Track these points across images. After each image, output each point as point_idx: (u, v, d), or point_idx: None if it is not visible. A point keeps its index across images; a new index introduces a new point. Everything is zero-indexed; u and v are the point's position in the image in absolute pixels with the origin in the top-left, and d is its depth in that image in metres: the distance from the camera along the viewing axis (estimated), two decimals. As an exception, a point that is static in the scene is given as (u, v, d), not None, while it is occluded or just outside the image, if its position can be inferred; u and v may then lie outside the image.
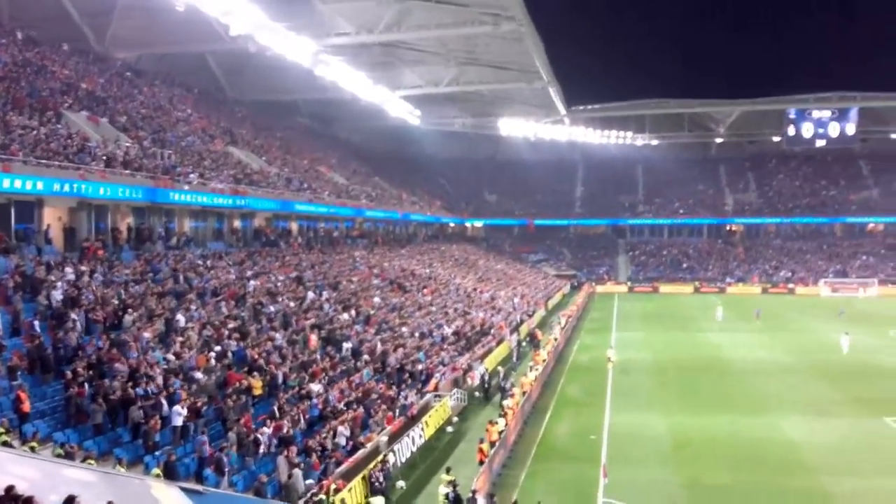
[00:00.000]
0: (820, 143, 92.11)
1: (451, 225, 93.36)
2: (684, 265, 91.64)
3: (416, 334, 36.37)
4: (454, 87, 65.32)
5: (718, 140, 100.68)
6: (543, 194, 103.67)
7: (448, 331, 39.16)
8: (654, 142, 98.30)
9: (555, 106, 77.29)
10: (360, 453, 21.36)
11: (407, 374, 30.05)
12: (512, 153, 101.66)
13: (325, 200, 51.26)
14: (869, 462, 23.10)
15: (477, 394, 31.95)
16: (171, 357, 21.99)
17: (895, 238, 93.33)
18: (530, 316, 53.53)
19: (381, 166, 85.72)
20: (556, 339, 43.22)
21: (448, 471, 20.35)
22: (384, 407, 25.38)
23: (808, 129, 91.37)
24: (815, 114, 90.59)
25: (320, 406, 23.57)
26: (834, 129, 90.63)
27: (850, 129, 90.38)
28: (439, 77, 63.52)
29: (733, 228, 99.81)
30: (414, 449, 23.81)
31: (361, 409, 24.47)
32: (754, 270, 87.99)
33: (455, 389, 30.48)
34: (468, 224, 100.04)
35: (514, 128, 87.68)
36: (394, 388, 27.92)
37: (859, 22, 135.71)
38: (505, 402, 27.70)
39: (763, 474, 22.17)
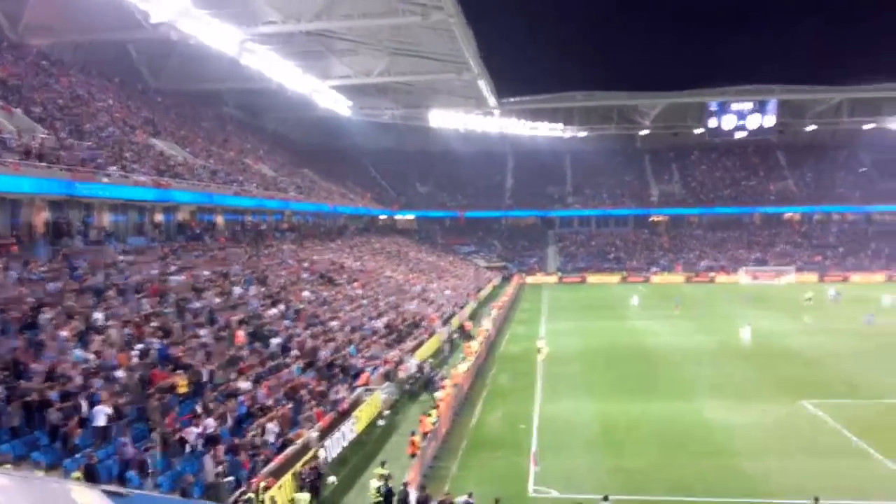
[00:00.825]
0: (740, 134, 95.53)
1: (383, 217, 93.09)
2: (611, 255, 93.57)
3: (347, 328, 36.08)
4: (385, 77, 64.96)
5: (644, 132, 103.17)
6: (474, 186, 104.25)
7: (379, 324, 38.99)
8: (582, 134, 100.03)
9: (485, 98, 77.71)
10: (290, 450, 21.07)
11: (337, 369, 29.78)
12: (443, 145, 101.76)
13: (251, 193, 50.28)
14: (786, 443, 24.03)
15: (408, 386, 31.85)
16: (90, 356, 21.22)
17: (811, 227, 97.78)
18: (462, 308, 53.79)
19: (311, 158, 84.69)
20: (487, 331, 43.56)
21: (383, 464, 20.33)
22: (314, 402, 25.11)
23: (728, 122, 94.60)
24: (735, 106, 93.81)
25: (248, 403, 23.13)
26: (753, 122, 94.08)
27: (769, 121, 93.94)
28: (369, 67, 63.04)
29: (658, 219, 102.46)
30: (345, 444, 23.63)
31: (291, 406, 24.15)
32: (678, 260, 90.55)
33: (386, 383, 30.36)
34: (399, 216, 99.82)
35: (445, 119, 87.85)
36: (324, 382, 27.63)
37: (778, 17, 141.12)
38: (436, 394, 27.78)
39: (686, 457, 22.85)
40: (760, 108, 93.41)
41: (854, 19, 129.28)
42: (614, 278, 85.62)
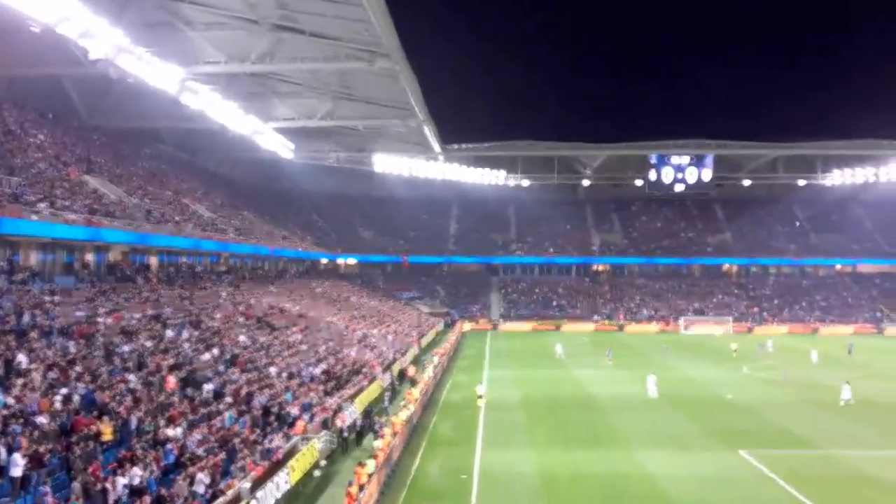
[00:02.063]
0: (679, 187, 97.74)
1: (324, 261, 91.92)
2: (554, 303, 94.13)
3: (284, 374, 35.01)
4: (328, 121, 64.76)
5: (586, 182, 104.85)
6: (418, 231, 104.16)
7: (318, 370, 37.98)
8: (526, 182, 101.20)
9: (429, 143, 78.15)
10: (220, 501, 20.01)
11: (273, 417, 28.72)
12: (387, 189, 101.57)
13: (188, 233, 48.97)
14: (725, 494, 23.88)
15: (346, 435, 30.85)
16: (10, 401, 19.99)
17: (748, 278, 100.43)
18: (403, 354, 53.00)
19: (251, 200, 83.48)
20: (428, 378, 42.86)
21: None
22: (247, 451, 24.03)
23: (668, 174, 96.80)
24: (675, 160, 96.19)
25: (177, 452, 21.99)
26: (692, 175, 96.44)
27: (707, 174, 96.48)
28: (313, 110, 62.77)
29: (600, 268, 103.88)
30: (279, 495, 22.56)
31: (223, 455, 23.06)
32: (619, 308, 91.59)
33: (324, 431, 29.35)
34: (341, 260, 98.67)
35: (390, 164, 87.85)
36: (258, 431, 26.54)
37: (716, 76, 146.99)
38: (375, 444, 26.92)
39: (628, 509, 22.49)
40: (698, 162, 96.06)
41: (791, 80, 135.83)
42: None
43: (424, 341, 66.86)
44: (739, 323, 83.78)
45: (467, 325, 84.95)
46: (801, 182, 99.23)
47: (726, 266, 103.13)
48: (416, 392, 37.20)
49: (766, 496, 23.71)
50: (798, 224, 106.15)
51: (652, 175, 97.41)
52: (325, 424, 30.21)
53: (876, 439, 31.23)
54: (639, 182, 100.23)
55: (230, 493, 20.65)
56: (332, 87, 57.91)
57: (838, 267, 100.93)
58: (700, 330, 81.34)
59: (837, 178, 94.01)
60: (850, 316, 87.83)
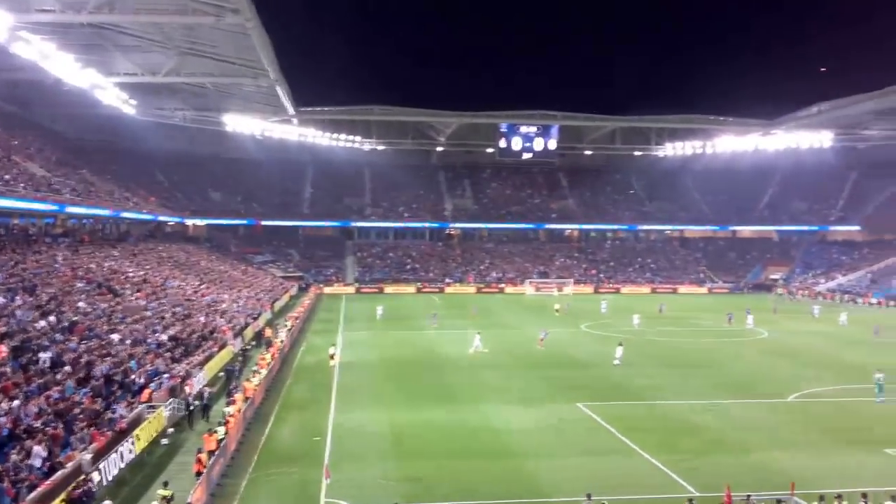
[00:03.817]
0: (527, 155, 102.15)
1: (171, 223, 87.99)
2: (408, 267, 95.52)
3: (129, 341, 33.73)
4: (174, 77, 61.56)
5: (439, 149, 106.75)
6: (272, 194, 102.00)
7: (164, 337, 36.86)
8: (381, 147, 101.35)
9: (283, 105, 76.29)
10: (60, 474, 19.33)
11: (116, 386, 27.76)
12: (239, 151, 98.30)
13: (19, 193, 45.50)
14: (564, 443, 25.80)
15: (192, 404, 30.20)
16: None
17: (587, 243, 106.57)
18: (255, 319, 52.28)
19: (91, 158, 78.38)
20: (282, 342, 42.70)
21: (166, 485, 19.30)
22: (88, 422, 23.20)
23: (517, 143, 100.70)
24: (524, 129, 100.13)
25: (10, 425, 20.91)
26: (538, 144, 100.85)
27: (552, 144, 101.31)
28: (158, 66, 59.37)
29: (452, 232, 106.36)
30: (123, 465, 22.05)
31: (61, 426, 22.15)
32: (470, 271, 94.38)
33: (171, 399, 28.73)
34: (190, 223, 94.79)
35: (241, 124, 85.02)
36: (100, 400, 25.62)
37: (562, 49, 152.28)
38: (226, 410, 26.73)
39: (475, 461, 23.78)
40: (544, 132, 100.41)
41: (631, 57, 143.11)
42: (410, 289, 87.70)
43: (277, 306, 66.11)
44: (580, 285, 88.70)
45: (328, 290, 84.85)
46: (637, 153, 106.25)
47: (569, 231, 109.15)
48: (268, 356, 37.04)
49: (600, 443, 25.84)
50: (633, 192, 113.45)
51: (502, 143, 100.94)
52: (174, 392, 29.57)
53: (699, 390, 34.45)
54: (490, 150, 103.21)
55: (70, 466, 19.99)
56: (178, 42, 54.98)
57: (668, 232, 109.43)
58: (545, 291, 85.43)
59: (669, 149, 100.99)
60: (677, 277, 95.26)
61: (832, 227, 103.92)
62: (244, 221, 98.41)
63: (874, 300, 76.98)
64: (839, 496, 17.92)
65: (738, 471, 22.26)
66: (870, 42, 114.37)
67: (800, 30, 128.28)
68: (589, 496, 18.33)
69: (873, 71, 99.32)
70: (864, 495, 18.18)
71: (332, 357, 39.98)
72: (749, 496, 18.17)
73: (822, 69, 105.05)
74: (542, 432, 27.13)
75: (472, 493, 20.83)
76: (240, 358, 40.73)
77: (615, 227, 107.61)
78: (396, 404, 31.53)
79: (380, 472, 22.68)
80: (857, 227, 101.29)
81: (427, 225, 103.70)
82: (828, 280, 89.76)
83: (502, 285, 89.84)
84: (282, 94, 70.19)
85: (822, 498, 17.89)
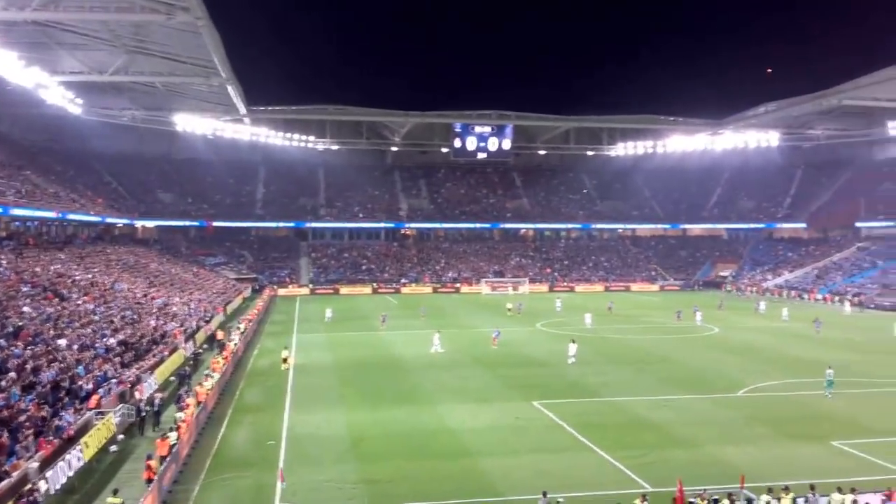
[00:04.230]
0: (481, 155, 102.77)
1: (119, 225, 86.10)
2: (364, 267, 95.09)
3: (76, 346, 32.93)
4: (122, 76, 60.32)
5: (394, 149, 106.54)
6: (223, 195, 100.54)
7: (113, 341, 36.06)
8: (335, 147, 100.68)
9: (234, 104, 75.23)
10: (5, 484, 18.78)
11: (64, 392, 27.07)
12: (190, 151, 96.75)
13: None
14: (520, 442, 25.92)
15: (144, 410, 29.60)
16: None
17: (542, 242, 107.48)
18: (208, 322, 51.49)
19: (35, 159, 76.35)
20: (234, 345, 42.13)
21: (115, 492, 18.97)
22: (34, 430, 22.57)
23: (471, 143, 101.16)
24: (478, 129, 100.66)
25: (-49, 435, 20.26)
26: (493, 144, 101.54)
27: (507, 144, 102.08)
28: (104, 64, 58.06)
29: (407, 232, 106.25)
30: (71, 473, 21.49)
31: (6, 434, 21.51)
32: (426, 271, 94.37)
33: (121, 405, 28.12)
34: (139, 225, 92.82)
35: (192, 124, 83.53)
36: (47, 407, 24.95)
37: (519, 50, 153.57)
38: (178, 415, 26.26)
39: (431, 461, 23.79)
40: (499, 132, 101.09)
41: (584, 58, 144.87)
42: (366, 289, 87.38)
43: (230, 308, 65.23)
44: (535, 284, 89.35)
45: (279, 291, 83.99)
46: (590, 153, 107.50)
47: (523, 231, 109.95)
48: (221, 360, 36.53)
49: (555, 441, 26.04)
50: (586, 191, 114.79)
51: (457, 143, 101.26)
52: (123, 397, 28.96)
53: (651, 387, 34.99)
54: (445, 150, 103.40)
55: (16, 475, 19.44)
56: (126, 41, 53.82)
57: (620, 230, 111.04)
58: (501, 290, 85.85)
59: (621, 149, 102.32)
60: (630, 276, 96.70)
61: (779, 225, 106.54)
62: (195, 223, 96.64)
63: (819, 296, 79.13)
64: (786, 488, 18.40)
65: (690, 465, 22.69)
66: (820, 42, 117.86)
67: (747, 33, 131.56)
68: (545, 494, 18.49)
69: (819, 72, 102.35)
70: (812, 487, 18.69)
71: (285, 360, 39.62)
72: (705, 490, 18.52)
73: (769, 70, 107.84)
74: (498, 431, 27.25)
75: (430, 494, 20.79)
76: (191, 362, 40.06)
77: (569, 226, 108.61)
78: (352, 406, 31.34)
79: (336, 475, 22.50)
80: (802, 225, 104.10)
81: (382, 225, 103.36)
82: (775, 276, 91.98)
83: (458, 285, 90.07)
84: (233, 93, 69.20)
85: (770, 490, 18.34)
